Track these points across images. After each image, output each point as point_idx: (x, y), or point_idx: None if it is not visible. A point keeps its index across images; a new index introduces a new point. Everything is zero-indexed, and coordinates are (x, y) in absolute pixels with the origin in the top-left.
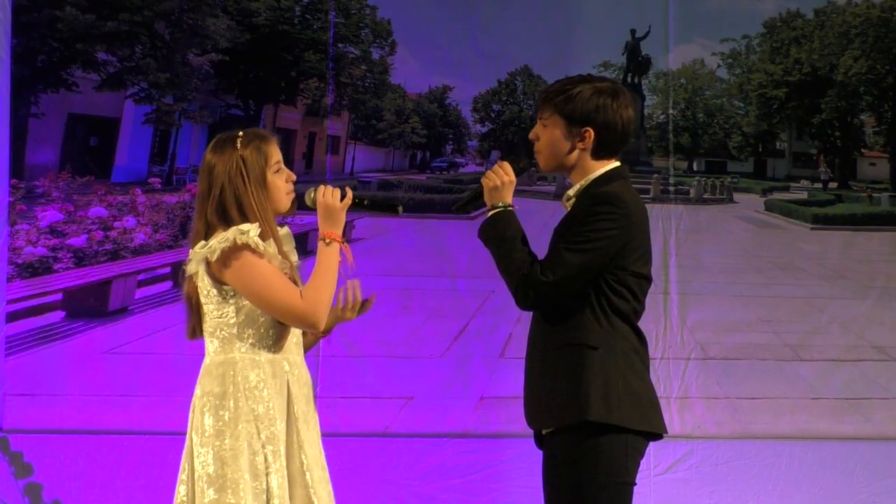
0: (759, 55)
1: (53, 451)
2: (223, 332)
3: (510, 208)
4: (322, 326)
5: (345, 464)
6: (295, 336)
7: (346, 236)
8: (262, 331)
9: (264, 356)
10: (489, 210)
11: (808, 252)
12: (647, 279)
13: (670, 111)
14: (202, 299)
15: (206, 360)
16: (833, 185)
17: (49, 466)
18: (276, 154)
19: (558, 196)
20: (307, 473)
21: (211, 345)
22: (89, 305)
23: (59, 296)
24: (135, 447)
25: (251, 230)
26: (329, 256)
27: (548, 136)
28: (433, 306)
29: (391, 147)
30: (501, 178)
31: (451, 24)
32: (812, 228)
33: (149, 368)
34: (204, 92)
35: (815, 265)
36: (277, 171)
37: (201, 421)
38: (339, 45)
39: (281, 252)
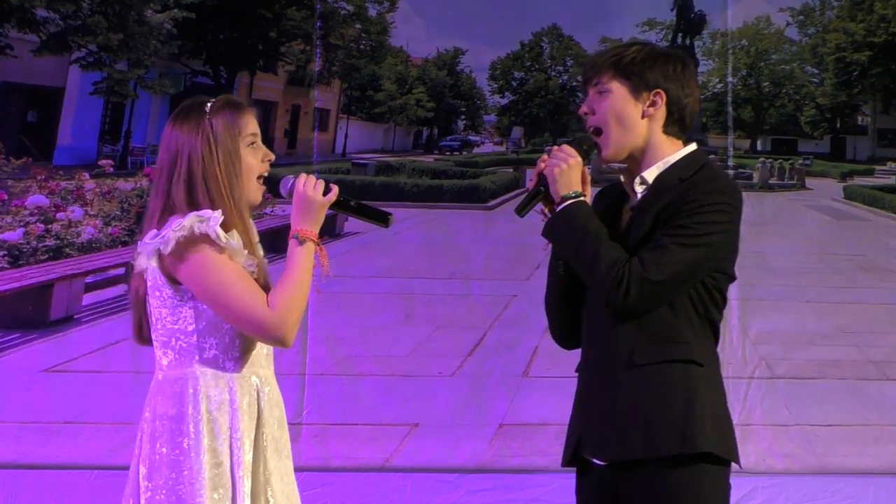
0: (836, 11)
1: None
2: (180, 342)
3: (583, 197)
4: (292, 341)
5: None
6: (266, 346)
7: (335, 230)
8: (226, 340)
9: (229, 370)
10: (559, 202)
11: None
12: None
13: (729, 79)
14: (152, 301)
15: (159, 376)
16: None
17: None
18: (251, 126)
19: (596, 182)
20: None
21: (165, 357)
22: (27, 314)
23: None
24: (81, 484)
25: (212, 218)
26: (304, 259)
27: (609, 104)
28: (442, 315)
29: (391, 123)
30: (567, 161)
31: None
32: None
33: (99, 390)
34: (165, 57)
35: None
36: (252, 145)
37: (152, 449)
38: None
39: (250, 246)
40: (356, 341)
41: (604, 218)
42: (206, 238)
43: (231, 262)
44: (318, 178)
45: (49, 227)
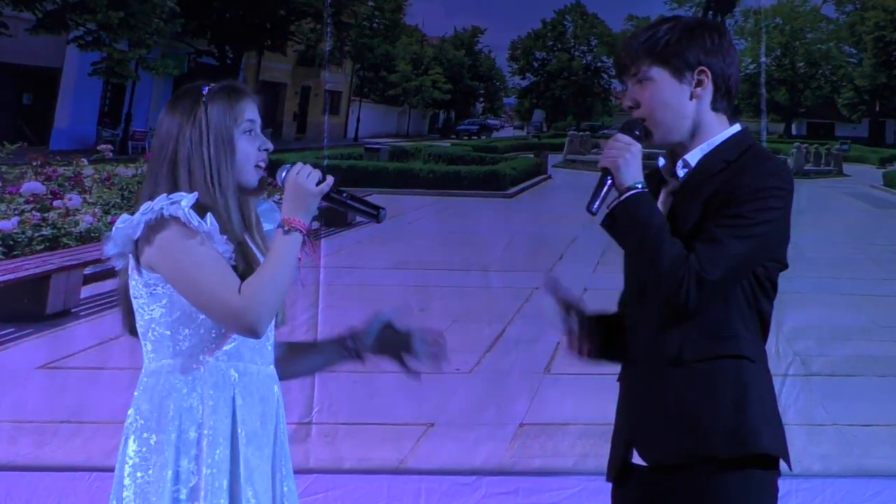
0: None
1: None
2: (155, 333)
3: (643, 190)
4: (262, 331)
5: None
6: (252, 339)
7: (346, 220)
8: (201, 331)
9: (204, 364)
10: (623, 192)
11: None
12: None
13: (762, 59)
14: (131, 290)
15: (142, 370)
16: None
17: None
18: (248, 113)
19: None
20: None
21: (144, 350)
22: (22, 307)
23: None
24: (80, 487)
25: (185, 200)
26: (285, 248)
27: (653, 93)
28: (459, 308)
29: (406, 105)
30: (629, 150)
31: None
32: None
33: (98, 387)
34: (167, 36)
35: None
36: (248, 133)
37: (129, 447)
38: None
39: (230, 231)
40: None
41: None
42: (176, 221)
43: (202, 247)
44: (314, 168)
45: (45, 215)
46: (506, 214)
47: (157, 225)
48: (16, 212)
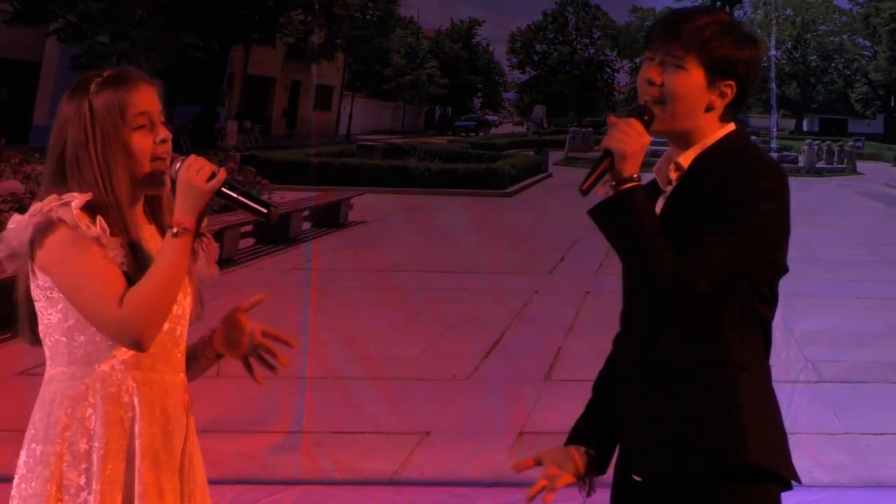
0: None
1: None
2: (52, 339)
3: (640, 183)
4: (148, 344)
5: None
6: (159, 345)
7: (339, 220)
8: (97, 338)
9: (100, 372)
10: (617, 184)
11: None
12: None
13: (773, 52)
14: (32, 294)
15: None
16: None
17: None
18: (141, 103)
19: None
20: None
21: (46, 355)
22: None
23: None
24: None
25: (75, 201)
26: (173, 252)
27: (683, 84)
28: (456, 312)
29: (401, 101)
30: (639, 141)
31: None
32: None
33: None
34: (152, 28)
35: None
36: (141, 126)
37: (21, 456)
38: None
39: (124, 233)
40: (362, 342)
41: None
42: (63, 224)
43: (88, 253)
44: (211, 163)
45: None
46: (505, 214)
47: (45, 227)
48: None
